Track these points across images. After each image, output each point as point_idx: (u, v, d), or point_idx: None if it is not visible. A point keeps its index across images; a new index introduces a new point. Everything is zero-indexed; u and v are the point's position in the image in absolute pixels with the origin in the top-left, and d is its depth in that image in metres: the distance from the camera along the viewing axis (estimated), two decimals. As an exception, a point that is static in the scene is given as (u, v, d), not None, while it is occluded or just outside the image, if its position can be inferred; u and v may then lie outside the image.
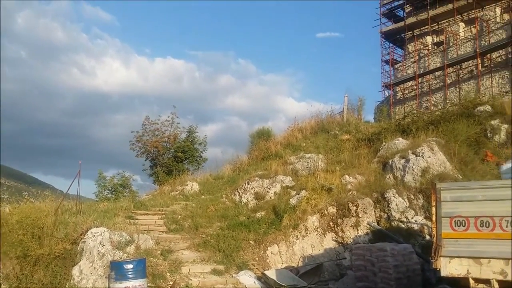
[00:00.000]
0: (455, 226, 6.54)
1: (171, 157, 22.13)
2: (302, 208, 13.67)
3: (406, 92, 27.22)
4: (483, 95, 21.99)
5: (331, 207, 13.67)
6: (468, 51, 24.05)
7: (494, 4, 24.66)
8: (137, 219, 13.59)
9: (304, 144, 20.91)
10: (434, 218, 6.70)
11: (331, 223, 13.36)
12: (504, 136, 16.46)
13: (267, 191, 15.70)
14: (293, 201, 14.34)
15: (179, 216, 14.39)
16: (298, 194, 14.62)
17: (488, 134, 16.66)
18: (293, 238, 13.11)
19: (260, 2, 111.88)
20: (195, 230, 13.49)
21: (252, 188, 15.93)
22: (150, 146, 21.85)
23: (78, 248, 10.26)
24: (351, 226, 13.15)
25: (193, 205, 15.71)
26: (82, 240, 10.36)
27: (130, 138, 22.07)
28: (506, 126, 16.67)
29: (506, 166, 9.09)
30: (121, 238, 10.83)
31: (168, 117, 22.50)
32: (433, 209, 6.72)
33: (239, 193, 16.10)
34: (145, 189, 21.30)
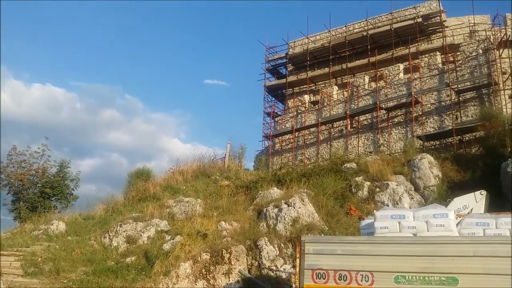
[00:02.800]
0: (316, 278, 6.95)
1: (38, 193, 20.41)
2: (176, 254, 13.41)
3: (284, 144, 28.78)
4: (350, 153, 24.18)
5: (205, 253, 13.60)
6: (339, 112, 26.41)
7: (363, 73, 27.67)
8: (-12, 260, 12.16)
9: (184, 187, 20.79)
10: (297, 269, 7.06)
11: (203, 270, 13.25)
12: (366, 192, 18.06)
13: (141, 235, 15.18)
14: (167, 246, 14.03)
15: (39, 258, 13.22)
16: (173, 239, 14.37)
17: (353, 189, 18.14)
18: (163, 286, 12.71)
19: (151, 41, 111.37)
20: (56, 275, 12.48)
21: (124, 231, 15.28)
22: (14, 179, 19.98)
23: None
24: (223, 274, 13.17)
25: (57, 246, 14.57)
26: None
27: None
28: (368, 183, 18.34)
29: (365, 222, 9.90)
30: (-35, 283, 9.59)
31: (39, 148, 20.93)
32: (297, 260, 7.08)
33: (109, 235, 15.31)
34: (4, 226, 19.21)
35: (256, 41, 73.96)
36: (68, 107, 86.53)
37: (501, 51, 22.09)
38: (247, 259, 13.72)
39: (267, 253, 13.65)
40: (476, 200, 12.72)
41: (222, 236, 14.51)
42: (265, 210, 15.75)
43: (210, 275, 13.14)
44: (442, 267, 6.72)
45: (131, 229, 15.36)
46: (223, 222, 15.24)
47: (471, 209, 12.39)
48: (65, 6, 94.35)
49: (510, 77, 21.44)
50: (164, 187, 20.76)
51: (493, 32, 24.13)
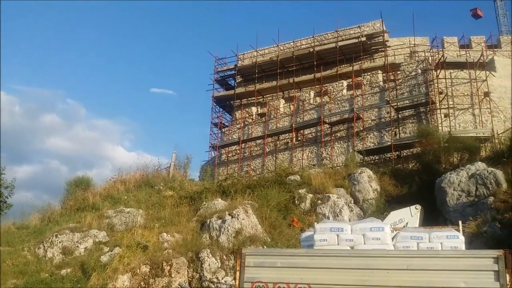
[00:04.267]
0: (256, 291, 6.95)
1: (-32, 201, 19.11)
2: (114, 266, 12.98)
3: (230, 155, 28.81)
4: (295, 166, 24.55)
5: (144, 266, 13.27)
6: (285, 125, 26.85)
7: (309, 88, 28.31)
8: None
9: (126, 197, 20.23)
10: (237, 282, 7.03)
11: (142, 283, 12.91)
12: (309, 204, 18.38)
13: (77, 246, 14.61)
14: (104, 258, 13.57)
15: (-35, 271, 12.37)
16: (111, 251, 13.93)
17: (296, 202, 18.41)
18: (100, 299, 12.27)
19: (96, 46, 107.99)
20: (-17, 289, 11.72)
21: (60, 242, 14.65)
22: None
23: None
24: (163, 287, 12.89)
25: (-14, 258, 13.70)
26: None
27: None
28: (311, 195, 18.68)
29: (305, 234, 10.00)
30: None
31: (-30, 154, 19.69)
32: (237, 273, 7.05)
33: (44, 246, 14.62)
34: None
35: (205, 51, 73.95)
36: (7, 110, 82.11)
37: (438, 72, 23.34)
38: (188, 271, 13.53)
39: (209, 265, 13.53)
40: (411, 214, 13.30)
41: (163, 248, 14.22)
42: (208, 222, 15.63)
43: (150, 288, 12.83)
44: (377, 280, 6.87)
45: (68, 240, 14.75)
46: (164, 234, 14.95)
47: (407, 223, 12.92)
48: (4, 6, 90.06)
49: (446, 97, 22.67)
50: (105, 196, 20.09)
51: (432, 54, 25.56)
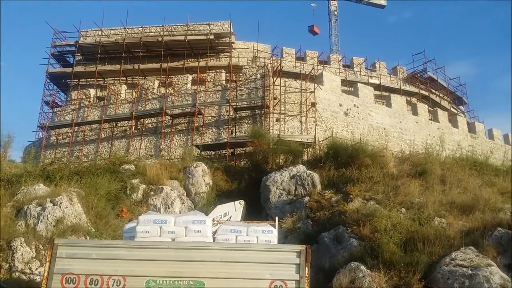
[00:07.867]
0: (66, 283, 6.69)
1: None
2: None
3: (61, 137, 26.83)
4: (132, 155, 23.98)
5: None
6: (125, 112, 26.03)
7: (154, 77, 27.96)
8: None
9: None
10: (45, 274, 6.71)
11: None
12: (141, 195, 18.16)
13: None
14: None
15: None
16: None
17: (128, 192, 18.01)
18: None
19: None
20: None
21: None
22: None
23: None
24: (-39, 278, 11.51)
25: None
26: None
27: None
28: (144, 186, 18.49)
29: (128, 225, 9.89)
30: None
31: None
32: (47, 264, 6.74)
33: None
34: None
35: (42, 21, 67.46)
36: None
37: (275, 79, 25.11)
38: (-4, 261, 12.29)
39: (22, 255, 12.46)
40: (235, 208, 14.12)
41: (-33, 235, 12.66)
42: (26, 208, 14.37)
43: None
44: (192, 271, 7.18)
45: None
46: (-30, 219, 13.32)
47: (230, 217, 13.69)
48: None
49: (279, 103, 24.53)
50: None
51: (271, 61, 27.44)
